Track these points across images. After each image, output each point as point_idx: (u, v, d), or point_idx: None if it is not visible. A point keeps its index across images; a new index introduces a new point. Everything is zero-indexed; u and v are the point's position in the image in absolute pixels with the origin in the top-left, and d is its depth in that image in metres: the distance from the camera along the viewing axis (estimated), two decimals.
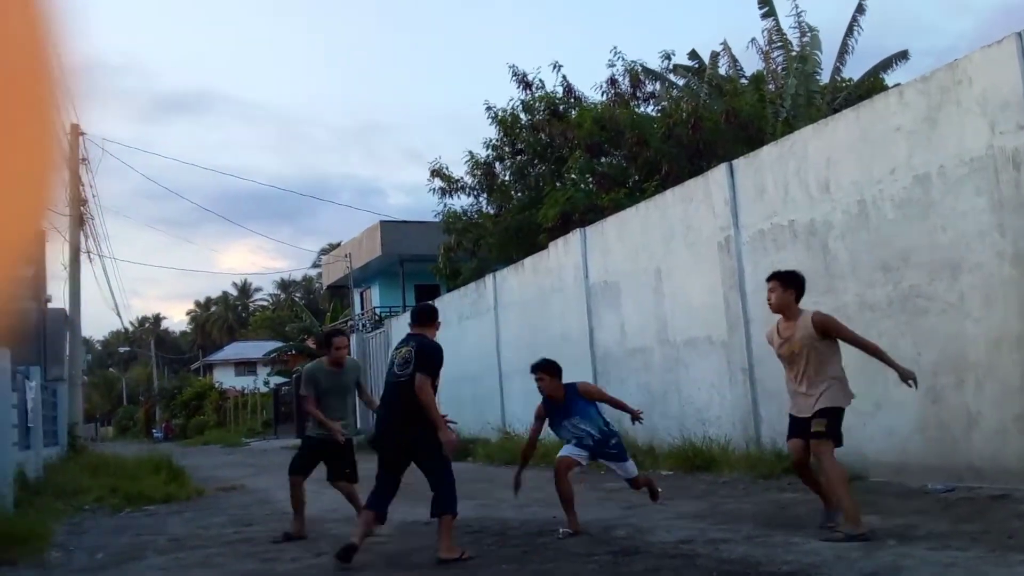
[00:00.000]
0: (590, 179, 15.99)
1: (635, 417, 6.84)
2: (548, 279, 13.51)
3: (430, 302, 7.58)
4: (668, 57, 17.38)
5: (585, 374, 11.98)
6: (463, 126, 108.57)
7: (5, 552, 6.49)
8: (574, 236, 12.76)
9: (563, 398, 6.59)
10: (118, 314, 38.49)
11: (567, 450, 6.57)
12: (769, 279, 5.66)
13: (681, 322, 10.27)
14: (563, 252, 13.07)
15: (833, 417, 5.27)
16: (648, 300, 10.85)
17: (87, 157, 19.91)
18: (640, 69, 17.19)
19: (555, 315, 13.16)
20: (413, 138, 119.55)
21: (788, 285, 5.52)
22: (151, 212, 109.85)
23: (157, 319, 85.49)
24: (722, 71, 17.15)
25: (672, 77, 17.59)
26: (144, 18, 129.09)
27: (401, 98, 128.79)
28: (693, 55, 17.77)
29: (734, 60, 17.18)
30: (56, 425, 15.26)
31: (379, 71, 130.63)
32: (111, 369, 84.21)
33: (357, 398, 7.68)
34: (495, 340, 15.31)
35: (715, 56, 17.36)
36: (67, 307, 18.81)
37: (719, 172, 9.66)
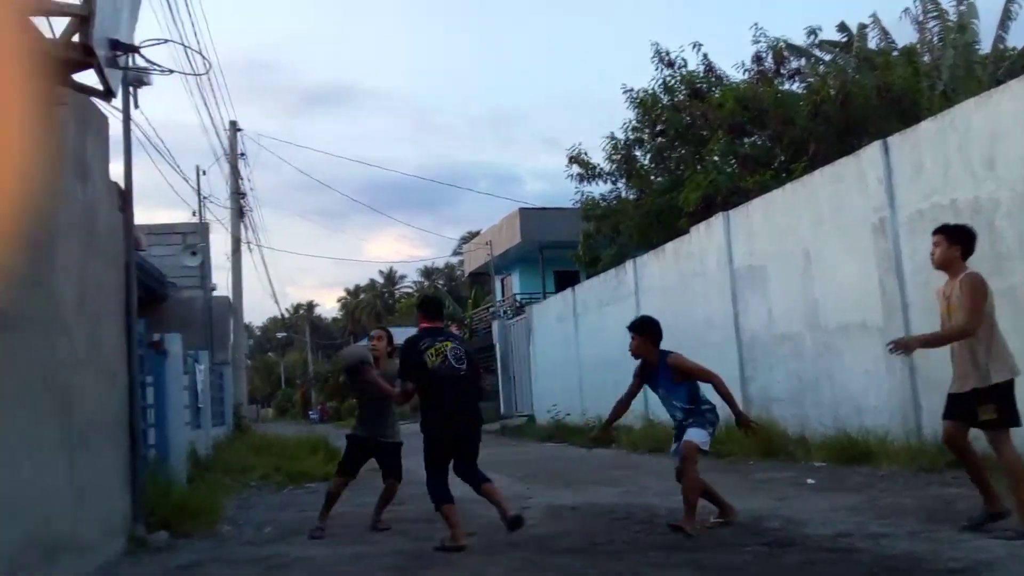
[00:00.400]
0: (733, 161, 15.57)
1: (745, 425, 6.23)
2: (690, 264, 13.28)
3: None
4: (814, 33, 16.65)
5: (730, 360, 11.74)
6: (600, 111, 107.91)
7: (181, 524, 7.00)
8: (717, 220, 12.48)
9: (655, 364, 6.25)
10: (276, 301, 40.72)
11: (691, 435, 6.02)
12: (935, 232, 5.25)
13: (833, 307, 9.88)
14: (706, 236, 12.81)
15: (1000, 397, 4.86)
16: (796, 284, 10.50)
17: (245, 152, 21.10)
18: (784, 45, 16.57)
19: (698, 300, 12.93)
20: (549, 124, 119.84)
21: (954, 240, 5.13)
22: (304, 203, 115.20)
23: (311, 306, 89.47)
24: (872, 45, 16.30)
25: (818, 53, 16.85)
26: (290, 16, 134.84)
27: (536, 84, 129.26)
28: (842, 28, 16.94)
29: (885, 33, 16.28)
30: (223, 406, 16.27)
31: (514, 57, 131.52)
32: (270, 354, 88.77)
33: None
34: None
35: (864, 29, 16.49)
36: (230, 295, 20.02)
37: (872, 150, 9.21)
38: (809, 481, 7.84)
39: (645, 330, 6.33)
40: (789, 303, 10.69)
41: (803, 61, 16.72)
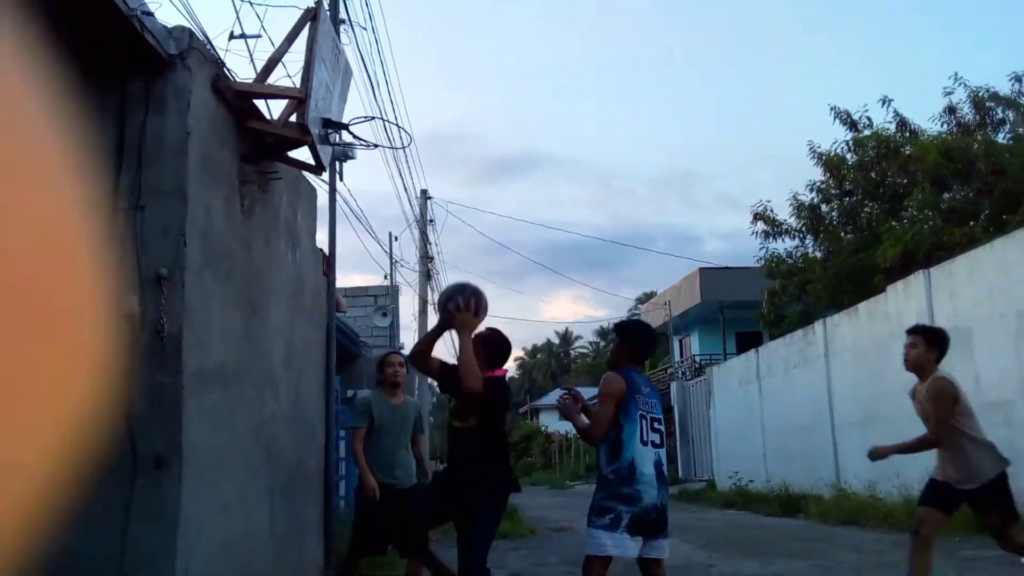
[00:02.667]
0: (935, 216, 14.70)
1: None
2: (886, 325, 12.55)
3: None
4: (1019, 79, 15.57)
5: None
6: (782, 170, 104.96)
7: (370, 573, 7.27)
8: (916, 278, 11.77)
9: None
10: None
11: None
12: (911, 332, 5.32)
13: None
14: (903, 295, 12.09)
15: (997, 492, 4.96)
16: (1008, 348, 9.68)
17: (433, 218, 22.09)
18: (987, 95, 15.59)
19: (895, 364, 12.06)
20: (729, 184, 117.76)
21: (932, 344, 5.15)
22: (486, 265, 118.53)
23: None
24: None
25: None
26: (478, 90, 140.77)
27: (716, 145, 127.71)
28: None
29: None
30: None
31: (694, 120, 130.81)
32: None
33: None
34: (827, 390, 14.48)
35: None
36: None
37: None
38: (1023, 561, 7.12)
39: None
40: (1000, 368, 9.87)
41: (1009, 112, 15.67)
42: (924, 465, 10.69)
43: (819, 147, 17.23)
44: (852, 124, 16.98)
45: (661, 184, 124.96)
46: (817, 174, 17.47)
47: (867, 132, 16.68)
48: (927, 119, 16.69)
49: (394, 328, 16.17)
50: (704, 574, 7.52)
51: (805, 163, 17.56)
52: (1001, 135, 15.52)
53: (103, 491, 4.11)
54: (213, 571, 4.49)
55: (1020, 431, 9.43)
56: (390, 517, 5.59)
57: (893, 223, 14.95)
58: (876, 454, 5.31)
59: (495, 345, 4.73)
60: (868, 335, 13.17)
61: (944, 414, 4.94)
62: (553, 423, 57.99)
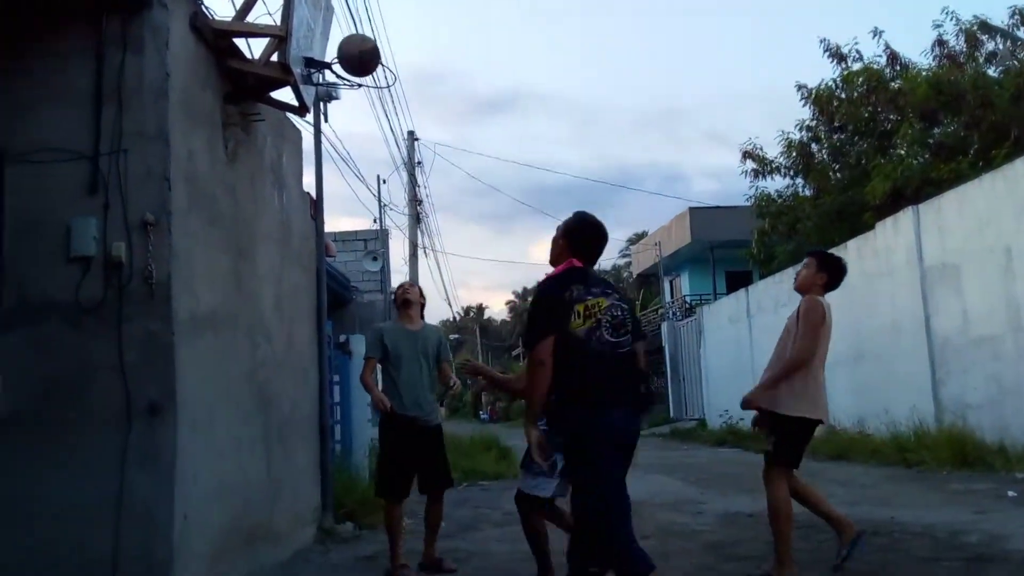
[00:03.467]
0: (924, 151, 14.62)
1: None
2: (875, 262, 12.59)
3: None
4: (1020, 13, 15.29)
5: (921, 364, 11.06)
6: (771, 106, 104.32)
7: (365, 517, 7.36)
8: (905, 214, 11.77)
9: None
10: (449, 304, 41.94)
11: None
12: (808, 253, 5.18)
13: None
14: (892, 232, 12.11)
15: (788, 433, 4.61)
16: (996, 283, 9.73)
17: (421, 160, 21.89)
18: (977, 27, 15.38)
19: (884, 301, 12.24)
20: (716, 121, 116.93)
21: (823, 267, 4.92)
22: (475, 208, 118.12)
23: (480, 308, 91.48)
24: None
25: (1021, 34, 15.53)
26: (459, 28, 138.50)
27: (703, 80, 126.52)
28: None
29: None
30: None
31: (680, 55, 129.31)
32: None
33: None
34: None
35: None
36: None
37: None
38: (1010, 493, 7.26)
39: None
40: (988, 303, 9.93)
41: (1000, 42, 15.47)
42: (912, 402, 10.86)
43: (807, 86, 17.04)
44: (842, 58, 16.76)
45: (646, 121, 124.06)
46: (806, 113, 17.32)
47: (857, 66, 16.47)
48: (918, 53, 16.49)
49: (385, 272, 16.12)
50: (695, 510, 7.64)
51: (794, 101, 17.42)
52: (991, 68, 15.37)
53: (98, 438, 4.12)
54: (210, 516, 4.52)
55: (1008, 365, 9.54)
56: (414, 456, 5.34)
57: (882, 160, 14.88)
58: (746, 403, 4.83)
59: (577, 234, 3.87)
60: (857, 272, 13.15)
61: (812, 328, 4.70)
62: None
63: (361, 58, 5.46)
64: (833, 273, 4.94)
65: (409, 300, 5.61)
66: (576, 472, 3.65)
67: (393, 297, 5.85)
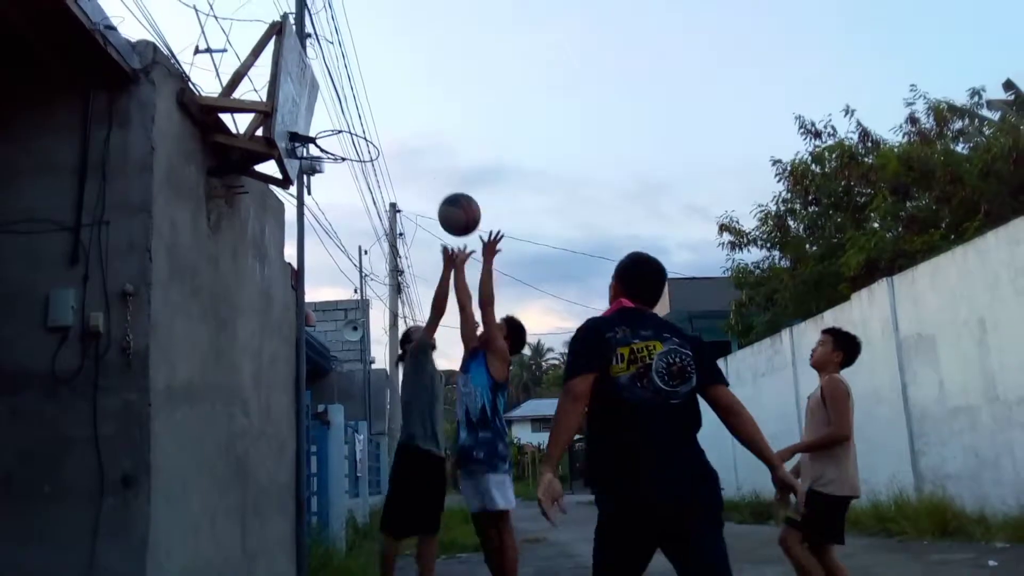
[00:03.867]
0: (896, 225, 14.93)
1: None
2: (851, 332, 12.70)
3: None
4: (978, 94, 15.91)
5: (899, 435, 11.09)
6: (748, 178, 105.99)
7: None
8: (880, 286, 11.95)
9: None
10: None
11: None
12: (824, 331, 5.29)
13: (1013, 378, 9.18)
14: (868, 303, 12.27)
15: (823, 510, 4.77)
16: (971, 354, 9.85)
17: (403, 232, 22.05)
18: (946, 107, 15.90)
19: (863, 371, 12.24)
20: (695, 194, 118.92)
21: (839, 345, 5.06)
22: None
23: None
24: None
25: (985, 112, 16.06)
26: (442, 103, 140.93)
27: (681, 155, 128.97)
28: (1008, 86, 16.12)
29: None
30: (379, 475, 16.74)
31: (659, 130, 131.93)
32: None
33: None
34: (795, 398, 14.61)
35: None
36: (387, 368, 20.72)
37: None
38: (991, 563, 7.23)
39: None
40: (963, 374, 10.03)
41: (966, 122, 15.98)
42: (892, 471, 10.87)
43: (781, 161, 17.44)
44: (816, 134, 17.23)
45: (628, 195, 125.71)
46: (780, 187, 17.69)
47: (831, 141, 16.91)
48: (888, 130, 16.97)
49: (365, 342, 16.10)
50: None
51: (770, 174, 17.77)
52: (959, 145, 15.82)
53: (71, 511, 4.06)
54: None
55: (985, 435, 9.59)
56: (425, 489, 5.63)
57: (857, 232, 15.17)
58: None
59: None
60: None
61: (844, 409, 4.83)
62: (526, 435, 57.99)
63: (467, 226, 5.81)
64: (849, 350, 5.06)
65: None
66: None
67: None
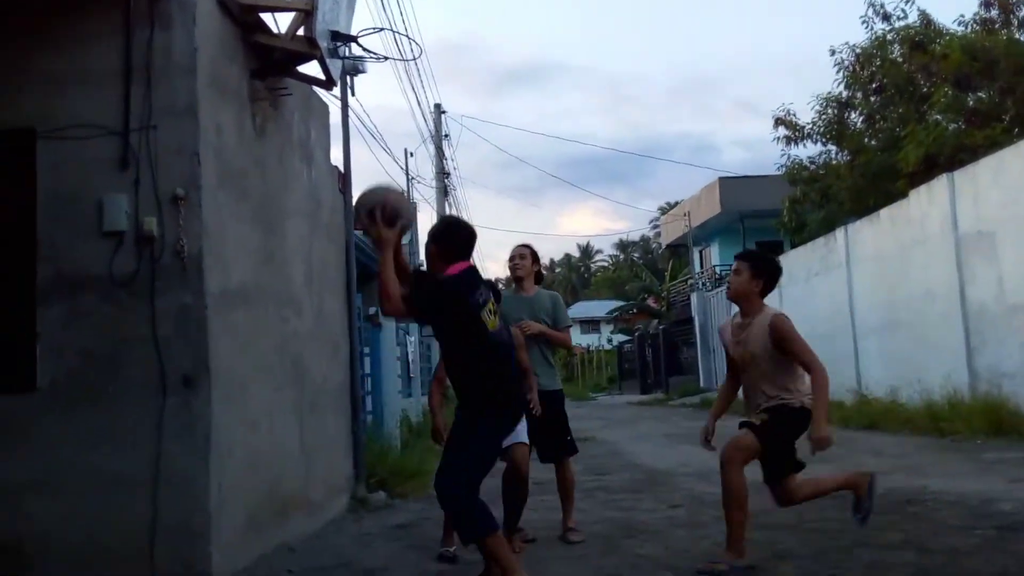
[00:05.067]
0: (958, 118, 14.33)
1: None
2: (909, 230, 12.41)
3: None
4: None
5: (955, 333, 10.92)
6: (803, 73, 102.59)
7: (397, 486, 7.46)
8: (939, 182, 11.57)
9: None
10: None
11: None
12: (737, 257, 4.53)
13: None
14: (927, 200, 11.91)
15: (779, 426, 4.27)
16: None
17: (448, 133, 21.86)
18: None
19: (917, 270, 12.08)
20: (746, 90, 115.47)
21: (758, 272, 4.36)
22: (503, 180, 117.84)
23: (509, 280, 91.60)
24: None
25: None
26: None
27: (733, 48, 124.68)
28: None
29: None
30: (431, 376, 17.09)
31: (709, 21, 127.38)
32: None
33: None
34: (848, 298, 14.43)
35: None
36: None
37: None
38: None
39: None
40: (1023, 271, 9.77)
41: None
42: (946, 371, 10.74)
43: (847, 44, 16.71)
44: (885, 16, 16.39)
45: (675, 91, 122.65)
46: (840, 76, 16.98)
47: (899, 25, 16.13)
48: (952, 21, 16.04)
49: (414, 244, 16.16)
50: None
51: (826, 71, 17.11)
52: None
53: (135, 409, 4.20)
54: (245, 486, 4.61)
55: None
56: (534, 424, 5.11)
57: (917, 125, 14.62)
58: (822, 443, 4.20)
59: (443, 236, 4.03)
60: (890, 241, 13.04)
61: (800, 338, 4.24)
62: (575, 336, 58.62)
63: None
64: (769, 276, 4.43)
65: (520, 276, 5.51)
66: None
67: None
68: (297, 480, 5.54)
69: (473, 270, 3.96)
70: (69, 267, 4.30)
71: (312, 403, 5.92)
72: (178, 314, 4.24)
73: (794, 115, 17.96)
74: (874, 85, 16.51)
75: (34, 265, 4.31)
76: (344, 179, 7.12)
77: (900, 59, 15.91)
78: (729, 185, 27.17)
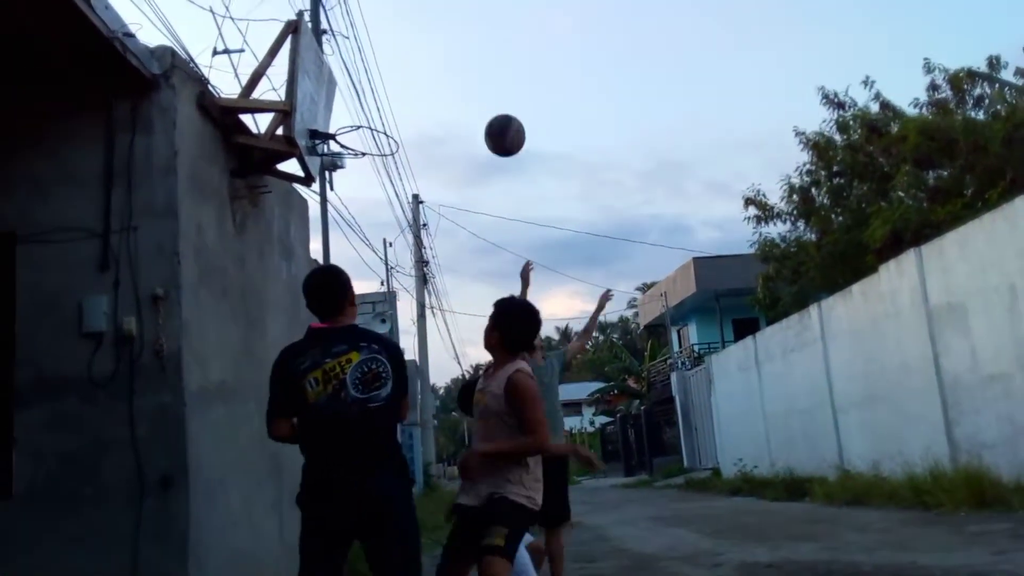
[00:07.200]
0: (921, 194, 14.75)
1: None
2: (880, 305, 12.60)
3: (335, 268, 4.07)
4: (995, 61, 15.69)
5: (932, 405, 10.99)
6: (769, 156, 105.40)
7: None
8: (908, 256, 11.82)
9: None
10: (458, 362, 41.99)
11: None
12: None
13: None
14: (896, 274, 12.14)
15: (514, 523, 3.57)
16: (1003, 321, 9.73)
17: (427, 222, 22.15)
18: (964, 73, 15.65)
19: (891, 342, 12.22)
20: (717, 171, 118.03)
21: (496, 322, 3.84)
22: (479, 266, 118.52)
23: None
24: None
25: (1007, 76, 15.80)
26: (460, 90, 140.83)
27: (703, 132, 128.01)
28: None
29: None
30: (413, 465, 16.90)
31: (679, 108, 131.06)
32: (454, 413, 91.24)
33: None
34: (825, 372, 14.53)
35: None
36: (417, 358, 20.85)
37: None
38: None
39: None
40: (996, 342, 9.91)
41: (986, 87, 15.74)
42: (926, 442, 10.78)
43: (804, 131, 17.27)
44: (839, 104, 17.01)
45: (649, 175, 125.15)
46: (803, 158, 17.52)
47: (853, 111, 16.72)
48: (906, 103, 16.68)
49: (393, 334, 16.19)
50: (712, 562, 7.56)
51: (791, 149, 17.64)
52: (980, 113, 15.58)
53: (113, 512, 4.14)
54: None
55: (1019, 403, 9.49)
56: (561, 481, 5.01)
57: (882, 203, 15.02)
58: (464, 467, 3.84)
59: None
60: (863, 315, 13.22)
61: (540, 411, 3.68)
62: None
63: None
64: (508, 327, 3.84)
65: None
66: None
67: None
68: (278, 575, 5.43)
69: (313, 332, 3.47)
70: (48, 369, 4.30)
71: (293, 496, 5.83)
72: (156, 414, 4.23)
73: (763, 195, 18.41)
74: (835, 169, 17.01)
75: (12, 368, 4.31)
76: None
77: (859, 141, 16.43)
78: (703, 265, 27.53)
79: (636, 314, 44.44)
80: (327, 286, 3.53)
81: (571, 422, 53.39)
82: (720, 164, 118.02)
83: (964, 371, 10.54)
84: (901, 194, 15.00)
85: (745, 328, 23.07)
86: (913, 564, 6.19)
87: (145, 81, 4.42)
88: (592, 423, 46.20)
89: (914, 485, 10.30)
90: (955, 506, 9.10)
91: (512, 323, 3.84)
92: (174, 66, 4.55)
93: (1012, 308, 9.55)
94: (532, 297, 5.69)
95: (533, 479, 3.69)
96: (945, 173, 15.05)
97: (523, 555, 4.34)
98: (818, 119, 19.79)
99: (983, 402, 10.14)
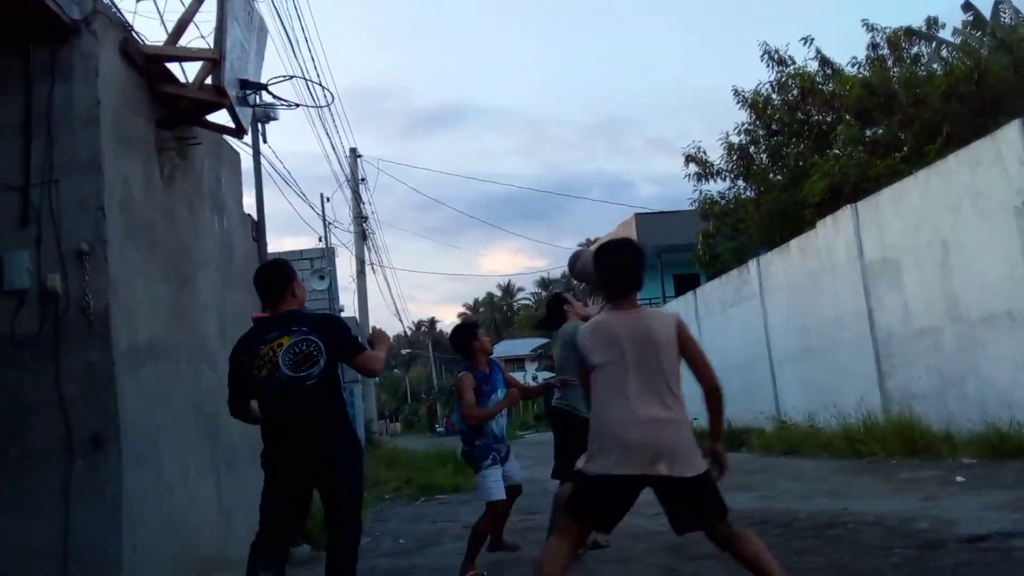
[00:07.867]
0: (860, 150, 14.97)
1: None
2: (817, 260, 12.84)
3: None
4: (933, 23, 15.95)
5: (866, 357, 11.28)
6: (711, 112, 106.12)
7: (321, 538, 7.26)
8: (844, 212, 12.03)
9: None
10: (399, 319, 41.78)
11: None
12: None
13: (975, 298, 9.35)
14: (833, 230, 12.36)
15: None
16: (934, 276, 9.99)
17: (365, 177, 21.78)
18: (903, 32, 15.86)
19: (827, 297, 12.49)
20: (659, 128, 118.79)
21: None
22: (419, 222, 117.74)
23: (432, 322, 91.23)
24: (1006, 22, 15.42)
25: (944, 35, 16.05)
26: (400, 44, 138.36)
27: (645, 89, 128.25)
28: (967, 7, 16.09)
29: (1017, 12, 15.37)
30: (354, 422, 16.78)
31: (621, 64, 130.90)
32: (395, 370, 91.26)
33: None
34: (763, 327, 14.80)
35: (997, 7, 15.63)
36: (357, 315, 20.65)
37: (1012, 130, 8.67)
38: (958, 479, 7.44)
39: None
40: (927, 296, 10.19)
41: (923, 46, 15.98)
42: (860, 394, 11.08)
43: (744, 90, 17.35)
44: (780, 61, 17.08)
45: (590, 131, 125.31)
46: (743, 116, 17.62)
47: (791, 70, 16.82)
48: (846, 63, 16.85)
49: (332, 291, 15.99)
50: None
51: (732, 106, 17.67)
52: (919, 70, 15.81)
53: (40, 477, 4.01)
54: (160, 549, 4.43)
55: (949, 355, 9.79)
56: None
57: (820, 159, 15.20)
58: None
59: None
60: (800, 270, 13.46)
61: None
62: None
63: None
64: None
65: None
66: None
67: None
68: (216, 540, 5.35)
69: (254, 321, 3.90)
70: None
71: (229, 460, 5.74)
72: (84, 373, 4.08)
73: (704, 152, 18.49)
74: (772, 127, 17.15)
75: None
76: (257, 227, 7.01)
77: (797, 99, 16.57)
78: (645, 220, 27.71)
79: None
80: (267, 281, 3.94)
81: (514, 377, 53.88)
82: (664, 121, 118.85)
83: (897, 324, 10.82)
84: (837, 151, 15.20)
85: (686, 284, 23.33)
86: (846, 511, 6.36)
87: (65, 26, 4.19)
88: (535, 378, 46.56)
89: (848, 435, 10.61)
90: (887, 455, 9.39)
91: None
92: (96, 11, 4.32)
93: (943, 263, 9.79)
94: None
95: None
96: (884, 128, 15.27)
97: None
98: (762, 77, 19.87)
99: (914, 355, 10.44)
